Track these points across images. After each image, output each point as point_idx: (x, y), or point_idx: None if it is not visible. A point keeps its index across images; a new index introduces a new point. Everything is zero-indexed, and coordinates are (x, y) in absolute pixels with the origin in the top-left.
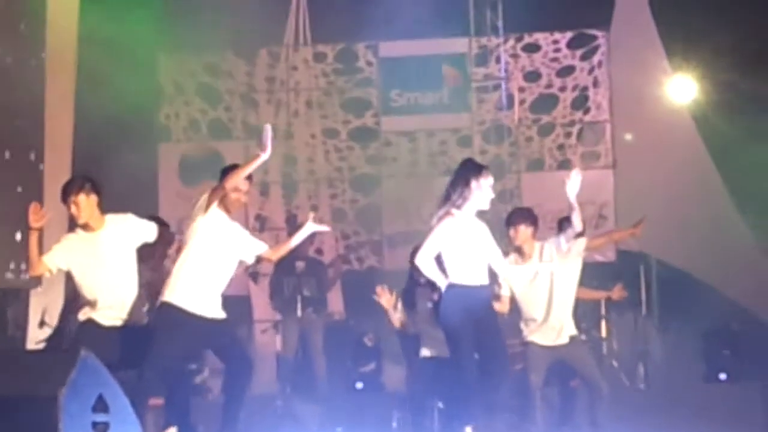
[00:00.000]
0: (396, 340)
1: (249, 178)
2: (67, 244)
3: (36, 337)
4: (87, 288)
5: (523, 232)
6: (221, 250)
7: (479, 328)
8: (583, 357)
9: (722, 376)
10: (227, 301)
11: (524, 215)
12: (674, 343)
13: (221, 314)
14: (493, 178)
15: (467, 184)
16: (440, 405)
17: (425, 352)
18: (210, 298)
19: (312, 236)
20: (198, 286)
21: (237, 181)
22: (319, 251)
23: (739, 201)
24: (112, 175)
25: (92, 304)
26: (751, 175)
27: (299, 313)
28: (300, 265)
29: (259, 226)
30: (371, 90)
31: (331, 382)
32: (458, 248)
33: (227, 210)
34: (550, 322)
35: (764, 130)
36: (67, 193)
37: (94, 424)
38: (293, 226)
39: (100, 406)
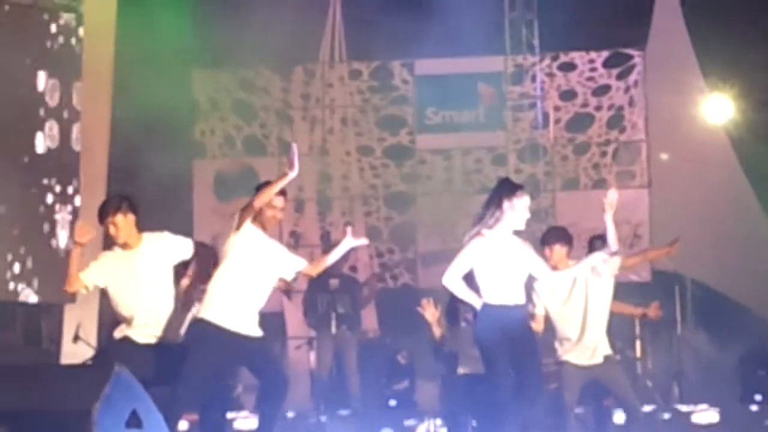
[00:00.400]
0: (430, 358)
1: (284, 194)
2: (104, 261)
3: (70, 352)
4: (124, 305)
5: (558, 251)
6: (257, 266)
7: (515, 348)
8: (617, 377)
9: (758, 397)
10: (262, 318)
11: (559, 234)
12: (709, 363)
13: (258, 332)
14: (530, 198)
15: (499, 204)
16: (474, 423)
17: (462, 369)
18: (246, 315)
19: (347, 253)
20: (234, 303)
21: (265, 199)
22: (354, 269)
23: None
24: (147, 191)
25: (128, 322)
26: None
27: (333, 330)
28: (334, 282)
29: (294, 242)
30: (406, 108)
31: (364, 399)
32: (491, 268)
33: (263, 227)
34: (585, 342)
35: None
36: (105, 213)
37: None
38: (327, 242)
39: (134, 421)
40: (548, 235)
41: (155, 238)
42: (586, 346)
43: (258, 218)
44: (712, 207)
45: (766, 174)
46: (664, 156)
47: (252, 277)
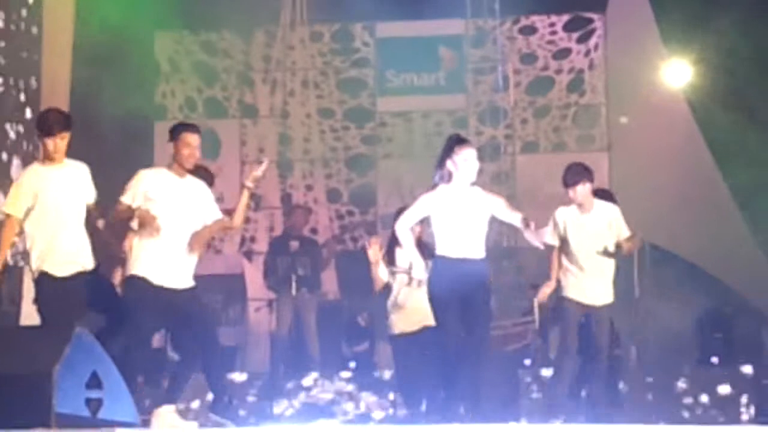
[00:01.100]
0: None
1: (197, 131)
2: (28, 178)
3: (30, 313)
4: (45, 223)
5: (582, 189)
6: (175, 213)
7: (466, 303)
8: (606, 325)
9: (714, 359)
10: (222, 280)
11: (581, 172)
12: (667, 326)
13: (186, 282)
14: (475, 150)
15: (443, 165)
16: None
17: (398, 329)
18: (174, 266)
19: (307, 215)
20: (156, 254)
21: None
22: (314, 231)
23: (732, 185)
24: (108, 153)
25: (46, 248)
26: (744, 160)
27: (293, 292)
28: (294, 244)
29: (254, 205)
30: (367, 70)
31: (324, 361)
32: (444, 221)
33: (181, 166)
34: (589, 280)
35: (759, 116)
36: (54, 128)
37: (88, 401)
38: (288, 205)
39: (94, 382)
40: (570, 175)
41: (76, 164)
42: (590, 284)
43: (176, 160)
44: (671, 170)
45: (724, 138)
46: (623, 119)
47: (171, 226)
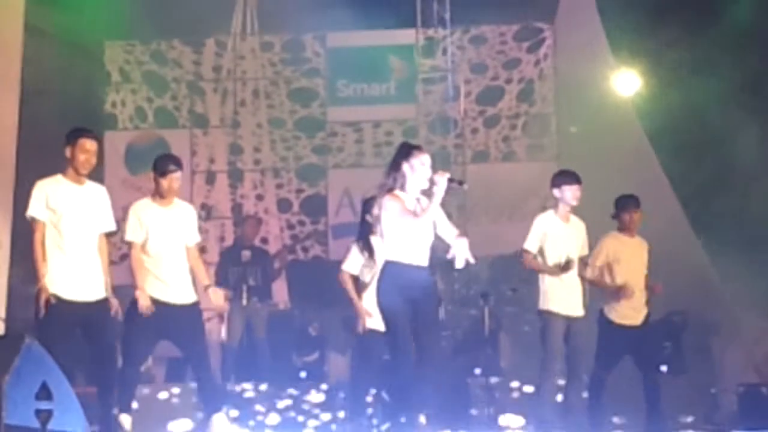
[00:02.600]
0: (340, 329)
1: (95, 138)
2: (142, 212)
3: None
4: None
5: (576, 192)
6: (77, 223)
7: (415, 310)
8: (586, 336)
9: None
10: None
11: (576, 177)
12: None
13: (97, 294)
14: (429, 156)
15: (398, 168)
16: (384, 394)
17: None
18: (83, 278)
19: (258, 225)
20: (66, 269)
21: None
22: (265, 240)
23: (680, 195)
24: (57, 163)
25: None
26: (693, 170)
27: (244, 302)
28: (245, 254)
29: (205, 215)
30: (318, 80)
31: (275, 371)
32: (396, 226)
33: (77, 171)
34: (570, 290)
35: (707, 125)
36: (171, 169)
37: (38, 412)
38: (238, 215)
39: (44, 393)
40: (563, 177)
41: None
42: (568, 295)
43: (71, 164)
44: (620, 180)
45: (672, 148)
46: (573, 129)
47: (72, 235)
